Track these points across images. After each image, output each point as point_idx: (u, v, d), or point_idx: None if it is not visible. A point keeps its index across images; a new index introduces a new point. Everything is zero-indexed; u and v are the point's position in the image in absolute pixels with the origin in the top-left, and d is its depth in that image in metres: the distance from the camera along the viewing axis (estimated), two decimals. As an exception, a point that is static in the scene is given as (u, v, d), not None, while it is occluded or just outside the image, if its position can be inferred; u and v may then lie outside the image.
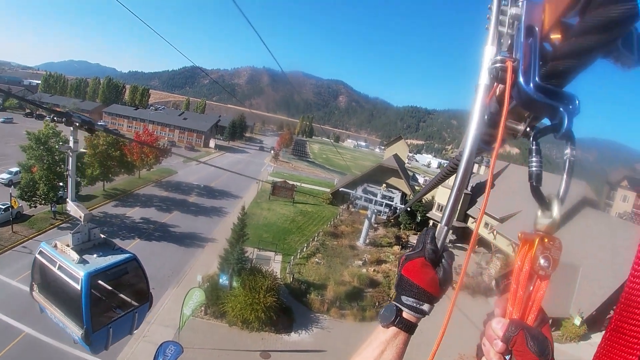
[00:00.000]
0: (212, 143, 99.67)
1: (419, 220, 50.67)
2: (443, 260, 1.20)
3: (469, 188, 51.05)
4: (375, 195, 42.46)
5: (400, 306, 1.21)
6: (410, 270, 1.19)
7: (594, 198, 50.80)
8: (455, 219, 1.35)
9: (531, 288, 1.00)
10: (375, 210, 41.21)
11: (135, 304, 6.91)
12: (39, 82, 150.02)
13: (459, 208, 1.32)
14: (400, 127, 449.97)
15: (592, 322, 29.08)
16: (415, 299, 1.18)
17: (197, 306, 20.24)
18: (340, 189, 50.39)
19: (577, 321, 27.83)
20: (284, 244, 36.91)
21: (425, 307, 1.20)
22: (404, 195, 53.35)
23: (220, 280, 23.71)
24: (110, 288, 6.97)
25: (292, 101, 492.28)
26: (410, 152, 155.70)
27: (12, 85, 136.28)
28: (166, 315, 22.86)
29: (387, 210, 40.80)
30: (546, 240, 0.94)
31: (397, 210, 40.48)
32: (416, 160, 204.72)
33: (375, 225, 49.48)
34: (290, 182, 54.40)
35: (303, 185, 64.28)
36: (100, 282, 6.48)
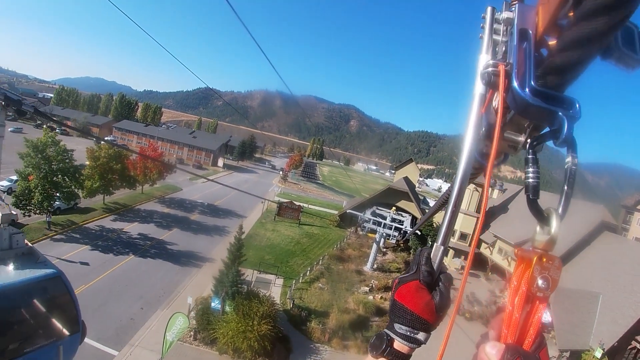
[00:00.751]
0: (220, 162, 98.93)
1: (430, 245, 48.57)
2: (440, 283, 1.07)
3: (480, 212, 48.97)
4: (384, 218, 40.54)
5: (391, 335, 1.08)
6: (404, 294, 1.07)
7: (613, 222, 48.35)
8: (450, 238, 1.19)
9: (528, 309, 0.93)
10: (384, 234, 39.21)
11: (63, 333, 5.22)
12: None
13: (455, 225, 1.11)
14: (410, 152, 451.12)
15: (614, 354, 26.68)
16: (409, 326, 1.05)
17: (180, 332, 18.39)
18: (347, 211, 48.60)
19: (598, 353, 25.29)
20: (287, 266, 34.94)
21: (421, 335, 1.06)
22: (414, 219, 51.32)
23: (212, 303, 21.82)
24: (27, 311, 5.29)
25: (303, 124, 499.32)
26: (420, 177, 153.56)
27: (27, 96, 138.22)
28: (152, 339, 20.92)
29: (396, 234, 38.81)
30: (544, 259, 0.88)
31: (407, 234, 38.50)
32: (427, 185, 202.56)
33: (384, 249, 47.33)
34: (297, 203, 52.67)
35: (311, 206, 62.53)
36: (12, 301, 4.85)
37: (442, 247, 1.06)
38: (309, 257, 38.58)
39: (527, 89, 0.84)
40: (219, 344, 20.43)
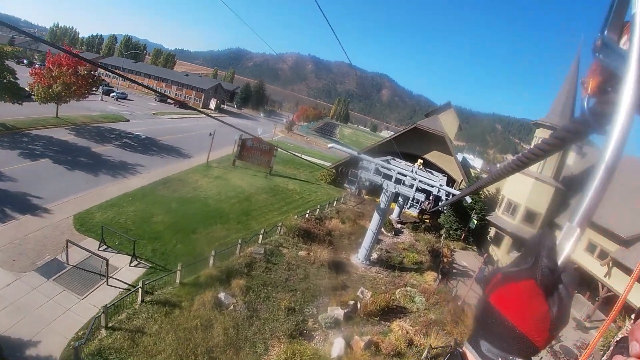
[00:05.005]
0: (212, 104, 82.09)
1: (472, 226, 29.83)
2: (560, 286, 0.62)
3: (560, 179, 29.88)
4: (403, 175, 21.84)
5: (471, 356, 0.68)
6: (508, 299, 0.63)
7: None
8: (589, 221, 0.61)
9: None
10: (398, 193, 21.21)
11: None
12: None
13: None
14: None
15: None
16: (503, 351, 0.63)
17: None
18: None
19: None
20: (183, 242, 17.55)
21: None
22: (451, 181, 32.89)
23: None
24: None
25: (334, 90, 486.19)
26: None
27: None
28: None
29: (422, 197, 20.62)
30: None
31: (442, 202, 20.51)
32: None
33: (398, 224, 29.51)
34: (269, 144, 34.93)
35: (304, 157, 44.42)
36: None
37: (577, 231, 0.61)
38: (250, 227, 20.94)
39: None
40: None
